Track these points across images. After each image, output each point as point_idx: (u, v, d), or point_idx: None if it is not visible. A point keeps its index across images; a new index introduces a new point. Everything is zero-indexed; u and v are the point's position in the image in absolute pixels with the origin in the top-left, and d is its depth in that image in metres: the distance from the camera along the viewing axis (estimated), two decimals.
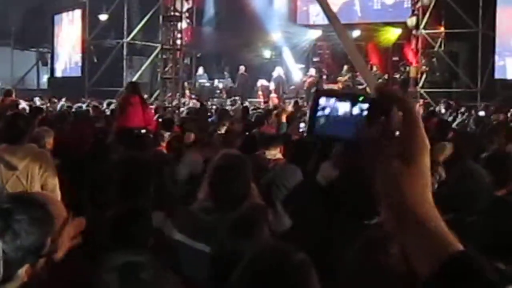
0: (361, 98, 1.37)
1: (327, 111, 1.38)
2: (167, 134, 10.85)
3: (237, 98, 28.56)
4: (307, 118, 1.43)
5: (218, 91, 31.18)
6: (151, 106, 17.41)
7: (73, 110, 17.62)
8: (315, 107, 1.39)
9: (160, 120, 14.15)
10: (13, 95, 17.44)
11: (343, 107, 1.37)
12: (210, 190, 4.24)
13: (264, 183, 6.23)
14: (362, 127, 1.34)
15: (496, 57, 26.16)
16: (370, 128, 1.33)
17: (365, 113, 1.35)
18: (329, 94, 1.40)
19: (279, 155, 7.46)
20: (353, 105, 1.36)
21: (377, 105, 1.33)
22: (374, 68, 27.55)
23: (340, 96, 1.39)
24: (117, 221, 4.06)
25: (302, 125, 10.04)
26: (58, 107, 20.47)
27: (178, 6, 24.54)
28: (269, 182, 6.28)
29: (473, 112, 19.47)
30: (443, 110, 20.95)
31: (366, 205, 4.08)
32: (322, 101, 1.39)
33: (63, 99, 23.43)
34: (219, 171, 4.25)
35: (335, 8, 25.81)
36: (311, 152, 7.54)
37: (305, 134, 2.24)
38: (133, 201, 4.57)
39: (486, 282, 1.24)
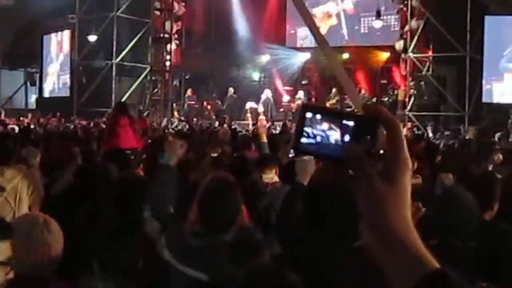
0: (347, 114, 1.38)
1: (313, 127, 1.39)
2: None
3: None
4: (293, 134, 1.43)
5: (207, 113, 31.18)
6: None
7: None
8: (301, 122, 1.40)
9: (149, 141, 14.10)
10: (2, 115, 17.43)
11: (329, 125, 1.38)
12: (200, 213, 4.22)
13: (262, 207, 6.22)
14: (348, 145, 1.35)
15: (484, 81, 26.30)
16: (356, 145, 1.34)
17: (351, 130, 1.36)
18: (316, 109, 1.41)
19: (276, 178, 7.39)
20: (340, 121, 1.37)
21: (363, 123, 1.35)
22: (363, 91, 27.65)
23: (327, 111, 1.40)
24: (106, 242, 4.06)
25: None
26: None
27: (167, 27, 24.60)
28: (267, 206, 6.27)
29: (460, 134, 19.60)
30: (430, 134, 21.06)
31: (350, 226, 4.08)
32: (309, 115, 1.40)
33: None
34: (209, 194, 4.23)
35: (322, 31, 25.98)
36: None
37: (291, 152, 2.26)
38: (126, 220, 4.57)
39: None
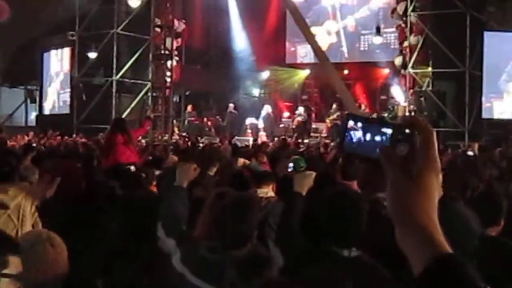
0: (385, 123, 1.51)
1: (354, 133, 1.51)
2: (157, 172, 10.77)
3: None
4: (337, 137, 1.57)
5: (207, 129, 31.26)
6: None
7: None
8: (344, 128, 1.52)
9: (150, 158, 14.11)
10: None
11: (369, 130, 1.50)
12: (218, 229, 4.24)
13: (256, 222, 6.22)
14: (386, 148, 1.47)
15: (483, 98, 26.34)
16: (389, 148, 1.47)
17: (389, 137, 1.48)
18: (357, 118, 1.52)
19: (271, 193, 7.38)
20: (378, 128, 1.49)
21: (400, 131, 1.47)
22: (363, 107, 27.69)
23: (367, 119, 1.52)
24: (109, 262, 4.06)
25: (290, 164, 10.01)
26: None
27: (167, 44, 24.66)
28: (262, 221, 6.26)
29: (460, 150, 19.56)
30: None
31: (347, 235, 4.13)
32: (351, 123, 1.51)
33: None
34: (228, 210, 4.25)
35: (323, 48, 26.15)
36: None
37: (335, 151, 2.32)
38: (133, 239, 4.58)
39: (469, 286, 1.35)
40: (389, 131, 1.52)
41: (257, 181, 7.64)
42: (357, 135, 1.56)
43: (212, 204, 4.58)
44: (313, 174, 5.05)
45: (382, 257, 4.38)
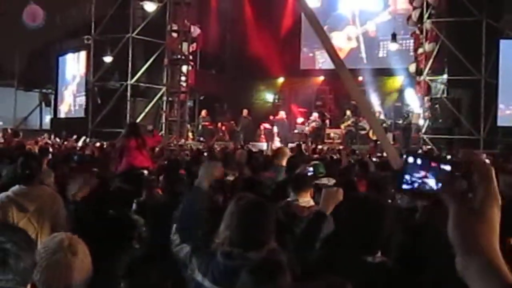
0: (444, 160, 1.54)
1: (412, 174, 1.54)
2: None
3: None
4: (397, 174, 1.59)
5: (221, 134, 31.27)
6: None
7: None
8: (404, 168, 1.55)
9: (166, 162, 14.10)
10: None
11: (426, 173, 1.53)
12: (235, 231, 4.23)
13: (300, 231, 6.19)
14: (446, 184, 1.50)
15: (500, 105, 26.27)
16: (453, 184, 1.50)
17: (448, 172, 1.52)
18: (417, 155, 1.55)
19: (312, 202, 7.28)
20: (437, 165, 1.52)
21: (458, 166, 1.51)
22: (377, 113, 27.61)
23: (426, 157, 1.55)
24: (133, 265, 4.07)
25: (310, 169, 9.96)
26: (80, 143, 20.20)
27: (183, 49, 24.70)
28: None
29: None
30: (448, 157, 20.99)
31: (369, 240, 4.12)
32: (411, 160, 1.55)
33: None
34: (247, 213, 4.25)
35: (342, 54, 26.13)
36: None
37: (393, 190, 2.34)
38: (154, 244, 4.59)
39: None
40: (447, 168, 1.56)
41: (295, 188, 7.53)
42: (413, 177, 1.60)
43: (230, 209, 4.57)
44: (341, 191, 4.99)
45: (405, 263, 4.39)
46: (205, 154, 16.25)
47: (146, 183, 8.47)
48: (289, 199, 7.42)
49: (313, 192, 7.45)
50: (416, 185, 1.57)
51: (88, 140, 22.98)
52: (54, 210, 6.57)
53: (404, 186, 1.59)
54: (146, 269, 3.99)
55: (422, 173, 1.56)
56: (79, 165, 11.43)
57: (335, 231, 4.89)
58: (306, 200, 7.28)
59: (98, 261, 3.85)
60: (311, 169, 9.80)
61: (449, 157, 1.68)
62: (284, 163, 10.34)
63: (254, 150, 20.68)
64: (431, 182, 1.54)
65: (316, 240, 4.74)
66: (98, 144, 21.95)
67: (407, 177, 1.58)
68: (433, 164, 1.55)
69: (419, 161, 1.57)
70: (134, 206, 5.29)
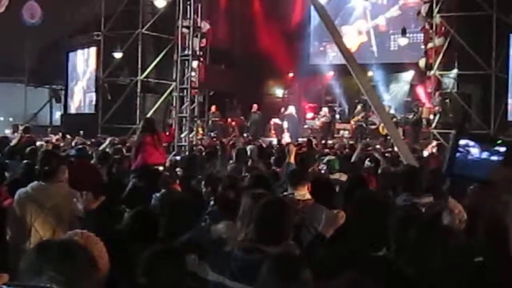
0: (499, 142, 1.50)
1: (465, 153, 1.51)
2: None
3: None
4: (446, 158, 1.55)
5: (231, 129, 31.28)
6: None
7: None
8: (454, 149, 1.51)
9: (178, 158, 14.13)
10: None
11: (481, 150, 1.49)
12: (257, 227, 4.28)
13: (293, 224, 6.23)
14: (498, 167, 1.46)
15: (510, 100, 26.21)
16: (505, 168, 1.46)
17: (501, 156, 1.47)
18: (469, 136, 1.52)
19: (308, 196, 7.37)
20: (490, 148, 1.48)
21: None
22: (387, 108, 27.55)
23: (478, 139, 1.52)
24: (152, 261, 4.08)
25: (323, 165, 10.01)
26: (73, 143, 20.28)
27: (194, 44, 24.67)
28: (299, 224, 6.27)
29: None
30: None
31: (374, 236, 4.15)
32: (462, 142, 1.52)
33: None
34: (268, 211, 4.29)
35: (352, 49, 26.10)
36: (335, 191, 7.59)
37: (444, 172, 2.30)
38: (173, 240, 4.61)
39: None
40: (502, 149, 1.51)
41: (292, 183, 7.62)
42: (472, 153, 1.54)
43: (248, 206, 4.60)
44: (342, 214, 4.98)
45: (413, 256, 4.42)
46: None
47: (164, 180, 8.51)
48: (285, 193, 7.51)
49: (311, 186, 7.51)
50: (470, 163, 1.53)
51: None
52: (72, 207, 6.61)
53: (457, 165, 1.54)
54: (166, 265, 4.01)
55: (477, 151, 1.52)
56: (78, 161, 11.42)
57: (341, 228, 4.91)
58: (302, 193, 7.37)
59: (117, 260, 3.87)
60: (324, 166, 9.85)
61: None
62: (292, 159, 10.36)
63: (264, 145, 20.72)
64: (487, 160, 1.49)
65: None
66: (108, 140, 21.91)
67: (459, 155, 1.53)
68: (487, 145, 1.51)
69: (471, 143, 1.53)
70: (153, 202, 5.32)
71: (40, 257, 2.51)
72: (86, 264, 2.55)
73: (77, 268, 2.50)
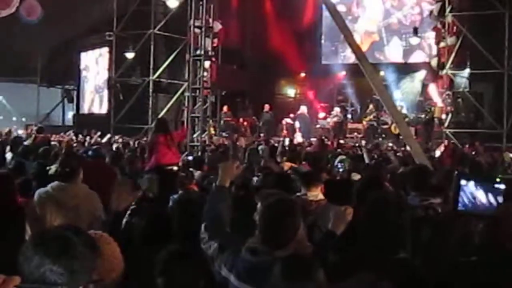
0: (497, 180, 1.55)
1: (467, 193, 1.57)
2: (197, 173, 10.79)
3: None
4: (451, 195, 1.61)
5: (243, 129, 31.28)
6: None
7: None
8: (457, 187, 1.58)
9: (190, 158, 14.14)
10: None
11: (482, 189, 1.55)
12: (261, 229, 4.28)
13: (306, 225, 6.23)
14: (502, 205, 1.51)
15: None
16: (509, 205, 1.51)
17: (501, 193, 1.52)
18: (469, 177, 1.58)
19: (321, 196, 7.37)
20: (490, 186, 1.54)
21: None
22: (399, 108, 27.49)
23: (479, 178, 1.57)
24: (169, 261, 4.10)
25: (339, 164, 10.01)
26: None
27: (206, 44, 24.74)
28: (311, 225, 6.28)
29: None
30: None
31: (390, 239, 4.15)
32: (463, 182, 1.57)
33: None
34: (270, 210, 4.29)
35: (364, 48, 26.06)
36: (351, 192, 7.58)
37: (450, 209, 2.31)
38: (188, 240, 4.63)
39: None
40: (502, 187, 1.57)
41: (305, 183, 7.62)
42: (469, 193, 1.61)
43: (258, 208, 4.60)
44: (350, 210, 4.97)
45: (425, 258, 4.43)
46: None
47: (181, 181, 8.54)
48: (298, 193, 7.50)
49: (324, 186, 7.51)
50: (473, 201, 1.58)
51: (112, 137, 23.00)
52: (92, 209, 6.67)
53: (460, 204, 1.60)
54: (182, 265, 4.03)
55: (478, 192, 1.57)
56: (94, 160, 11.46)
57: (351, 229, 4.91)
58: (315, 194, 7.36)
59: (135, 260, 3.91)
60: (340, 165, 9.86)
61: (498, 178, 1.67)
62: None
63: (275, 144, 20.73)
64: (488, 198, 1.55)
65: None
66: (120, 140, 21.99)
67: (462, 195, 1.59)
68: (486, 184, 1.56)
69: (471, 183, 1.58)
70: (170, 203, 5.35)
71: (38, 251, 2.51)
72: (86, 253, 2.55)
73: (76, 258, 2.50)
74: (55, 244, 2.51)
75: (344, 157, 11.74)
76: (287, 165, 11.93)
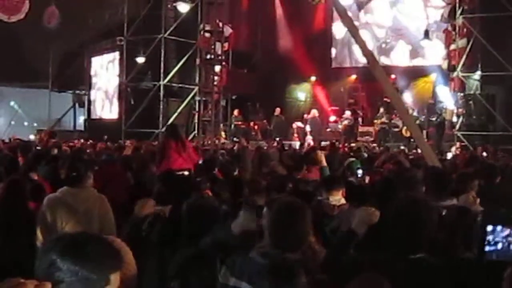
0: None
1: (495, 235, 1.52)
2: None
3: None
4: (477, 243, 1.56)
5: (254, 133, 31.28)
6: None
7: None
8: (483, 234, 1.53)
9: (201, 162, 14.11)
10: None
11: (510, 231, 1.50)
12: (271, 233, 4.27)
13: (329, 230, 6.22)
14: None
15: None
16: None
17: None
18: (495, 222, 1.54)
19: (343, 200, 7.34)
20: None
21: None
22: (410, 111, 27.41)
23: (506, 223, 1.53)
24: (183, 265, 4.11)
25: (360, 171, 9.98)
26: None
27: (216, 49, 24.80)
28: (335, 229, 6.26)
29: None
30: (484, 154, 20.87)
31: (413, 239, 4.14)
32: (489, 228, 1.53)
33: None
34: (281, 214, 4.28)
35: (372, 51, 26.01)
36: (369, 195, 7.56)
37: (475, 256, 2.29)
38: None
39: None
40: None
41: (327, 187, 7.59)
42: (497, 237, 1.55)
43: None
44: (377, 213, 4.94)
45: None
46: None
47: (194, 185, 8.53)
48: (319, 198, 7.47)
49: (345, 190, 7.49)
50: (500, 245, 1.53)
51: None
52: (102, 213, 6.67)
53: (487, 248, 1.54)
54: (197, 269, 4.03)
55: (506, 232, 1.52)
56: (107, 166, 11.50)
57: (374, 229, 4.89)
58: (337, 198, 7.34)
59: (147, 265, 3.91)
60: (360, 171, 9.84)
61: None
62: (324, 163, 10.25)
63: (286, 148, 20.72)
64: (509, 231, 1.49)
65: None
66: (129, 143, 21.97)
67: (489, 238, 1.53)
68: None
69: (498, 228, 1.53)
70: (184, 207, 5.33)
71: (53, 252, 2.49)
72: (101, 257, 2.53)
73: (90, 261, 2.49)
74: (74, 247, 2.50)
75: (353, 159, 11.70)
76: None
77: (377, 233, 4.57)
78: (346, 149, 22.25)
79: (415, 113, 28.01)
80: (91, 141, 24.31)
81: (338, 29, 33.50)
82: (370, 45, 30.36)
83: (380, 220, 4.72)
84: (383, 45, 34.13)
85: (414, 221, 4.22)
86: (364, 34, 31.07)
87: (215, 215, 5.12)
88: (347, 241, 4.77)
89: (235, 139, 29.49)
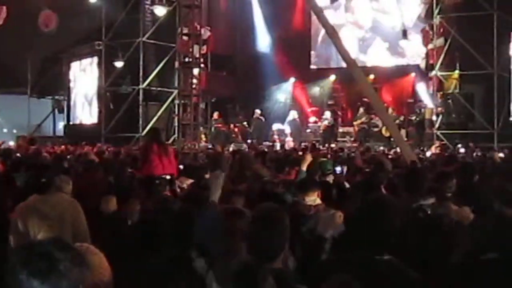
0: None
1: None
2: (189, 181, 10.71)
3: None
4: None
5: (234, 136, 31.25)
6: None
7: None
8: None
9: (181, 166, 14.05)
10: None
11: None
12: (248, 242, 4.24)
13: (305, 230, 6.21)
14: None
15: None
16: None
17: None
18: None
19: (319, 201, 7.33)
20: None
21: None
22: (390, 110, 27.49)
23: None
24: (163, 270, 4.09)
25: (338, 168, 9.95)
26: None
27: (195, 52, 24.73)
28: (311, 229, 6.24)
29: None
30: (462, 150, 21.00)
31: (375, 238, 4.13)
32: None
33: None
34: (257, 225, 4.24)
35: (352, 51, 26.07)
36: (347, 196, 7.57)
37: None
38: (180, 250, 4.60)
39: None
40: None
41: (302, 189, 7.58)
42: None
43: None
44: (340, 214, 4.93)
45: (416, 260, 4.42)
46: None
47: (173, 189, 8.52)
48: (295, 198, 7.48)
49: (321, 192, 7.48)
50: None
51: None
52: (75, 217, 6.62)
53: None
54: (176, 273, 4.01)
55: None
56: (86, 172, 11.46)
57: (345, 232, 4.89)
58: (312, 199, 7.32)
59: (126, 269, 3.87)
60: (339, 168, 9.84)
61: None
62: (304, 167, 10.22)
63: (266, 150, 20.69)
64: None
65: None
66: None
67: None
68: None
69: None
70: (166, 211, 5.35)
71: (24, 271, 2.46)
72: (73, 269, 2.50)
73: (63, 276, 2.46)
74: (41, 263, 2.46)
75: (324, 159, 11.66)
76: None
77: (351, 234, 4.58)
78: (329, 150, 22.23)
79: (394, 113, 28.12)
80: (70, 146, 24.16)
81: (317, 30, 33.49)
82: (350, 44, 30.46)
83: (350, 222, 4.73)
84: (361, 45, 34.18)
85: (375, 219, 4.22)
86: (344, 33, 31.23)
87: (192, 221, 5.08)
88: (317, 248, 4.77)
89: (209, 146, 29.33)
